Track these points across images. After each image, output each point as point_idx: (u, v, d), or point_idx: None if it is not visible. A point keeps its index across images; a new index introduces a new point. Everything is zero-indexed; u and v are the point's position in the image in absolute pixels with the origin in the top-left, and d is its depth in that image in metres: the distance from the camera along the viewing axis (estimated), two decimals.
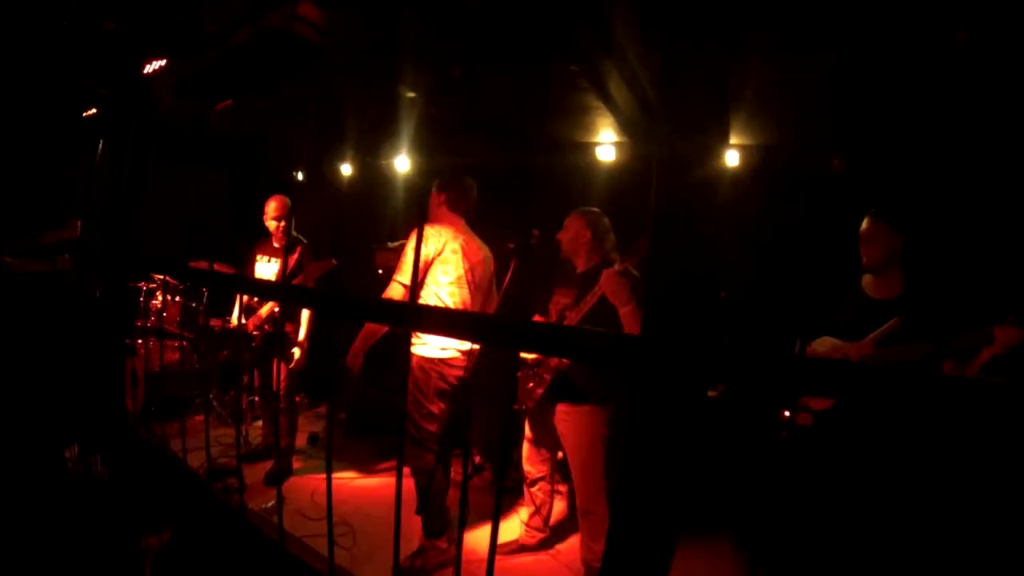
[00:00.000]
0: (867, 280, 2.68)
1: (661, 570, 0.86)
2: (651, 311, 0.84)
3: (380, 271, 4.62)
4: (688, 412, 0.82)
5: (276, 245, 4.11)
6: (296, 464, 4.22)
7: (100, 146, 3.98)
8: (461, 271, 3.01)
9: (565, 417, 2.96)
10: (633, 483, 0.84)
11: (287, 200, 3.97)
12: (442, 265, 3.00)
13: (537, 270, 3.13)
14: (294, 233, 3.96)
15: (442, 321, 0.98)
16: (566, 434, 2.99)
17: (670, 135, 0.87)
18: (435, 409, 3.00)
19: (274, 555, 1.91)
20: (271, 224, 3.99)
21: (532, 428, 3.20)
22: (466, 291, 3.01)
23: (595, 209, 3.08)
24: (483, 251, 3.15)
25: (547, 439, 3.16)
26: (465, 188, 3.23)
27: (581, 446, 2.94)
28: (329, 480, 1.43)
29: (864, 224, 2.62)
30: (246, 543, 2.15)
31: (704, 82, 0.86)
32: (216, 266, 2.13)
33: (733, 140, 3.60)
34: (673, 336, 0.81)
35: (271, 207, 3.99)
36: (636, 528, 0.86)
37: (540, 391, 2.99)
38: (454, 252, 3.02)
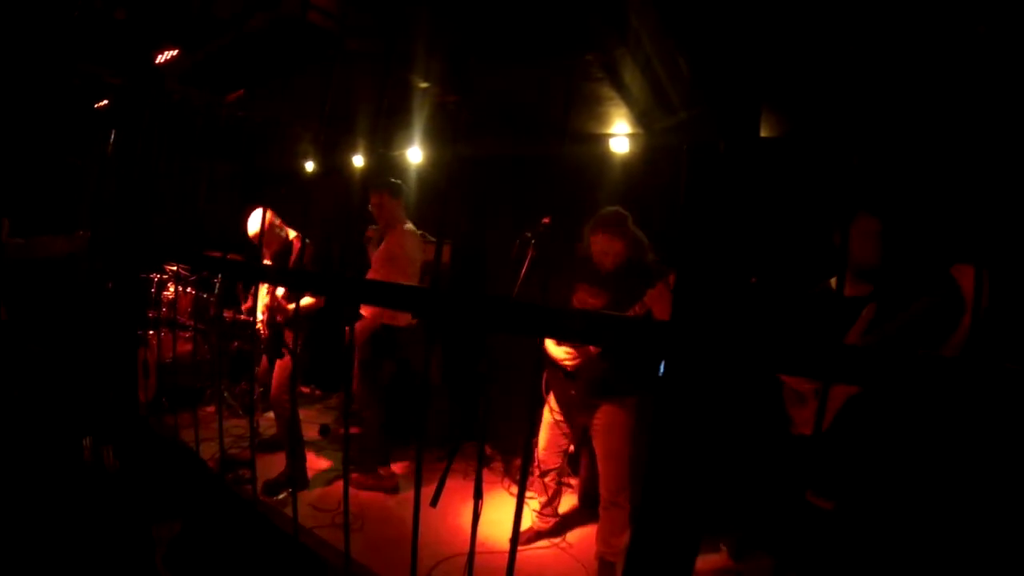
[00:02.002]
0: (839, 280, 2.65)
1: (687, 559, 0.84)
2: (681, 298, 0.81)
3: None
4: (716, 398, 0.80)
5: (267, 262, 3.89)
6: (308, 455, 4.21)
7: (112, 136, 3.98)
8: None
9: (601, 413, 3.01)
10: (661, 469, 0.82)
11: (260, 212, 3.57)
12: None
13: (551, 257, 3.09)
14: (290, 237, 3.80)
15: (474, 308, 0.95)
16: (599, 428, 3.03)
17: (699, 126, 0.85)
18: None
19: (287, 547, 1.91)
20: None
21: (552, 422, 3.23)
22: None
23: (617, 213, 3.01)
24: None
25: (564, 432, 3.20)
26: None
27: (613, 438, 2.98)
28: (346, 474, 1.41)
29: (860, 222, 2.54)
30: (257, 534, 2.15)
31: (737, 74, 0.83)
32: (229, 256, 2.12)
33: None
34: (703, 322, 0.79)
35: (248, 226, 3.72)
36: (664, 516, 0.84)
37: (584, 397, 3.03)
38: None
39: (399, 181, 3.86)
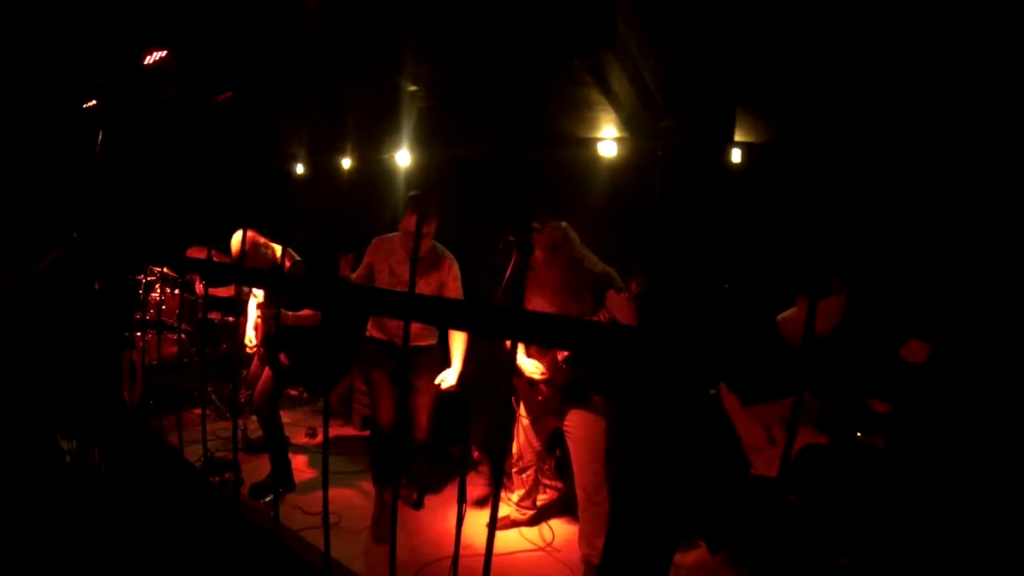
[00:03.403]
0: (787, 326, 2.70)
1: (662, 563, 0.84)
2: (650, 303, 0.82)
3: None
4: (685, 402, 0.80)
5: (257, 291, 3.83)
6: (298, 458, 4.20)
7: (100, 137, 3.96)
8: None
9: (571, 416, 3.07)
10: (632, 471, 0.83)
11: (240, 235, 3.55)
12: None
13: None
14: (276, 255, 3.69)
15: (443, 312, 0.96)
16: (571, 430, 3.09)
17: (674, 132, 0.86)
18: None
19: (269, 547, 1.91)
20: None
21: (527, 422, 3.32)
22: None
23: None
24: None
25: (539, 431, 3.32)
26: None
27: (589, 438, 3.02)
28: (325, 477, 1.41)
29: (830, 301, 2.61)
30: (240, 535, 2.15)
31: (710, 81, 0.84)
32: (215, 256, 2.11)
33: (737, 137, 3.58)
34: (671, 327, 0.80)
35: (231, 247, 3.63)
36: (636, 516, 0.85)
37: (552, 404, 3.12)
38: None
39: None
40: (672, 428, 0.79)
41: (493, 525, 1.04)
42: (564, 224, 3.03)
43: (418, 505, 2.18)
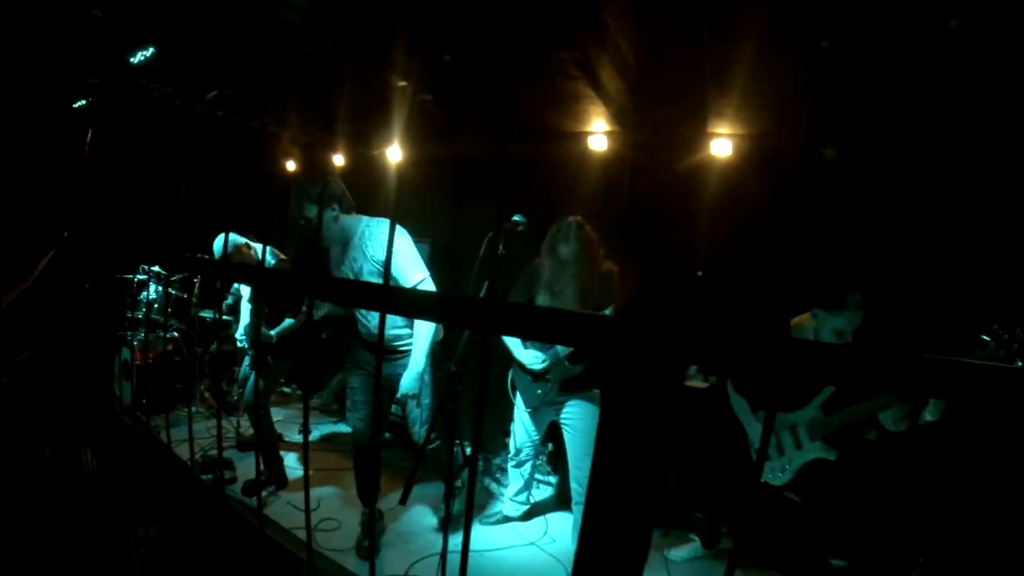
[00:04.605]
0: (798, 331, 2.70)
1: (635, 565, 0.83)
2: (624, 289, 0.81)
3: None
4: (660, 394, 0.79)
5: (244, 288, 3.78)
6: (288, 456, 4.18)
7: (89, 136, 3.93)
8: None
9: (572, 408, 3.08)
10: (605, 468, 0.82)
11: (220, 241, 3.50)
12: None
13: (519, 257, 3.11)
14: (259, 257, 3.63)
15: (414, 303, 0.95)
16: (568, 423, 3.10)
17: (647, 116, 0.84)
18: None
19: (256, 540, 1.91)
20: None
21: (526, 416, 3.30)
22: None
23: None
24: None
25: (538, 424, 3.31)
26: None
27: (586, 430, 3.03)
28: (307, 470, 1.40)
29: (852, 317, 2.60)
30: (228, 529, 2.15)
31: (681, 67, 0.82)
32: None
33: (726, 129, 3.57)
34: (646, 315, 0.79)
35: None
36: (609, 515, 0.84)
37: (546, 395, 3.12)
38: None
39: None
40: (640, 417, 0.78)
41: (469, 516, 1.03)
42: (579, 218, 3.02)
43: (403, 500, 2.17)
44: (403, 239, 2.88)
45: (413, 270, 2.83)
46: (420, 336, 2.87)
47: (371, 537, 1.21)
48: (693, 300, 0.79)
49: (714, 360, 0.79)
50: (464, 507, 3.51)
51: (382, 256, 2.83)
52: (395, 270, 2.83)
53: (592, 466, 0.83)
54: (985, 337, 2.12)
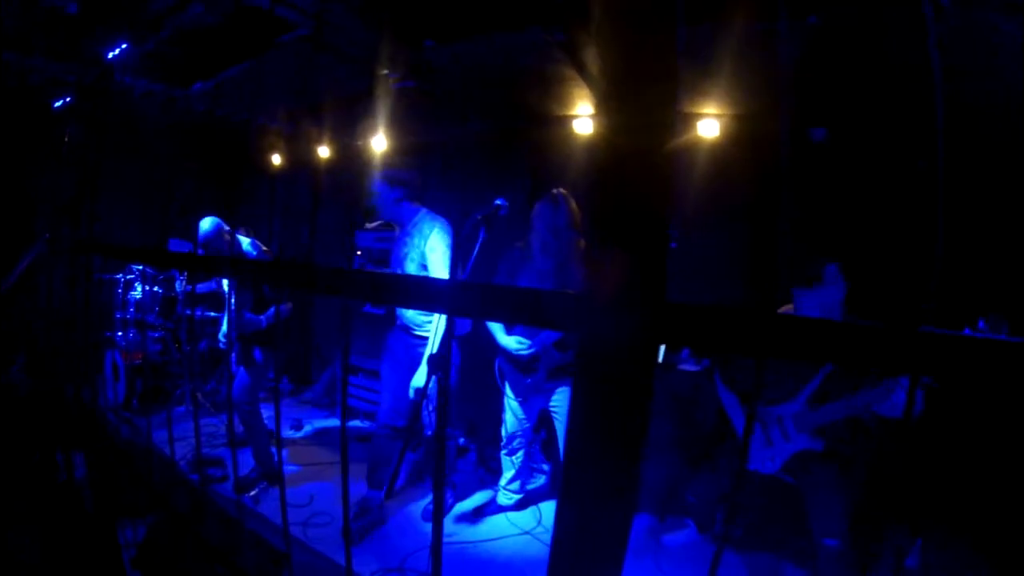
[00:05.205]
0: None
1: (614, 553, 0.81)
2: (591, 266, 0.77)
3: (359, 252, 4.55)
4: (631, 371, 0.76)
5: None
6: (285, 450, 4.15)
7: (67, 135, 3.88)
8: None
9: (562, 395, 3.09)
10: (576, 454, 0.79)
11: (205, 223, 3.41)
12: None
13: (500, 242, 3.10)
14: (244, 247, 3.55)
15: (374, 287, 0.91)
16: (559, 410, 3.13)
17: (612, 88, 0.80)
18: None
19: (236, 531, 1.89)
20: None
21: (515, 404, 3.27)
22: None
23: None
24: None
25: (527, 412, 3.27)
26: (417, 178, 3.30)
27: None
28: (280, 466, 1.37)
29: (836, 291, 2.55)
30: (217, 527, 2.14)
31: (649, 40, 0.78)
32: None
33: (713, 110, 3.53)
34: (614, 293, 0.75)
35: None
36: (583, 500, 0.81)
37: (535, 382, 3.11)
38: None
39: None
40: (609, 397, 0.75)
41: (440, 514, 1.00)
42: (563, 192, 2.99)
43: (389, 495, 2.15)
44: (443, 239, 3.08)
45: (442, 271, 3.02)
46: (434, 325, 3.01)
47: (347, 522, 1.18)
48: (662, 276, 0.75)
49: (684, 337, 0.75)
50: (458, 501, 3.48)
51: (424, 248, 3.08)
52: (430, 266, 3.07)
53: (564, 453, 0.79)
54: (981, 323, 2.10)
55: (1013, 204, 2.76)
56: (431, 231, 3.10)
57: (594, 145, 0.79)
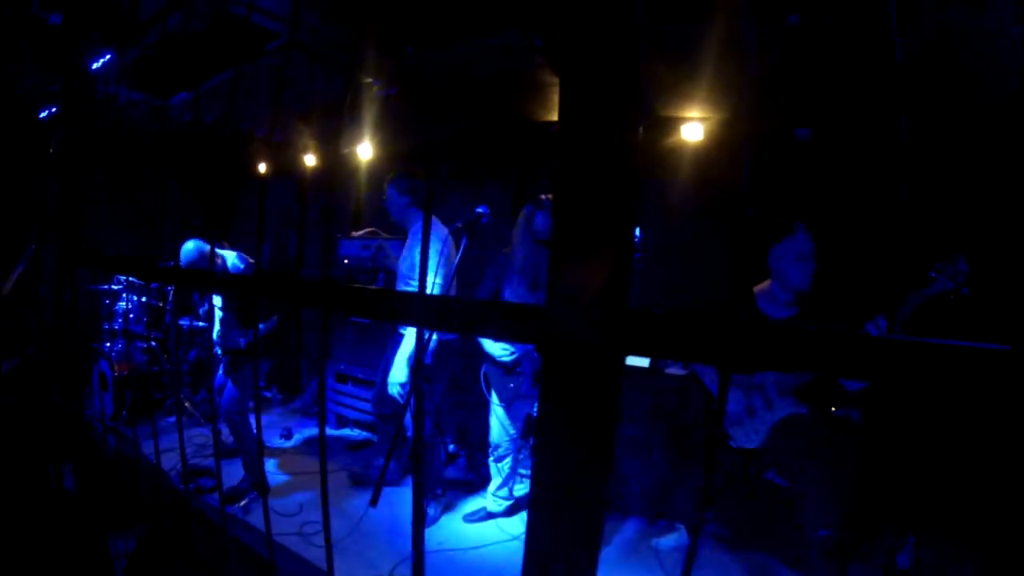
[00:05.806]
0: (760, 299, 2.67)
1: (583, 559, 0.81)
2: (554, 274, 0.77)
3: (345, 260, 4.54)
4: (597, 381, 0.76)
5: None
6: (269, 461, 4.14)
7: (52, 145, 3.86)
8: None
9: None
10: (544, 457, 0.79)
11: (187, 246, 3.42)
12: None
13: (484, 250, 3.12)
14: (227, 264, 3.52)
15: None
16: None
17: (576, 89, 0.80)
18: None
19: (227, 545, 1.89)
20: None
21: (501, 411, 3.28)
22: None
23: None
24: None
25: (513, 418, 3.28)
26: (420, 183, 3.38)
27: None
28: (261, 470, 1.37)
29: (805, 240, 2.58)
30: (201, 535, 2.13)
31: (611, 38, 0.78)
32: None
33: (696, 113, 3.55)
34: (580, 301, 0.75)
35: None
36: (551, 507, 0.81)
37: (520, 388, 3.14)
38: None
39: None
40: (581, 409, 0.75)
41: (419, 515, 1.00)
42: (550, 198, 2.97)
43: (374, 502, 2.13)
44: (432, 246, 3.09)
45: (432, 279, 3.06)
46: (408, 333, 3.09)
47: (325, 515, 1.18)
48: (624, 283, 0.75)
49: (645, 345, 0.74)
50: (447, 508, 3.47)
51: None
52: (415, 273, 3.13)
53: (533, 461, 0.79)
54: (932, 274, 2.12)
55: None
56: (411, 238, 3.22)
57: (556, 150, 0.79)
